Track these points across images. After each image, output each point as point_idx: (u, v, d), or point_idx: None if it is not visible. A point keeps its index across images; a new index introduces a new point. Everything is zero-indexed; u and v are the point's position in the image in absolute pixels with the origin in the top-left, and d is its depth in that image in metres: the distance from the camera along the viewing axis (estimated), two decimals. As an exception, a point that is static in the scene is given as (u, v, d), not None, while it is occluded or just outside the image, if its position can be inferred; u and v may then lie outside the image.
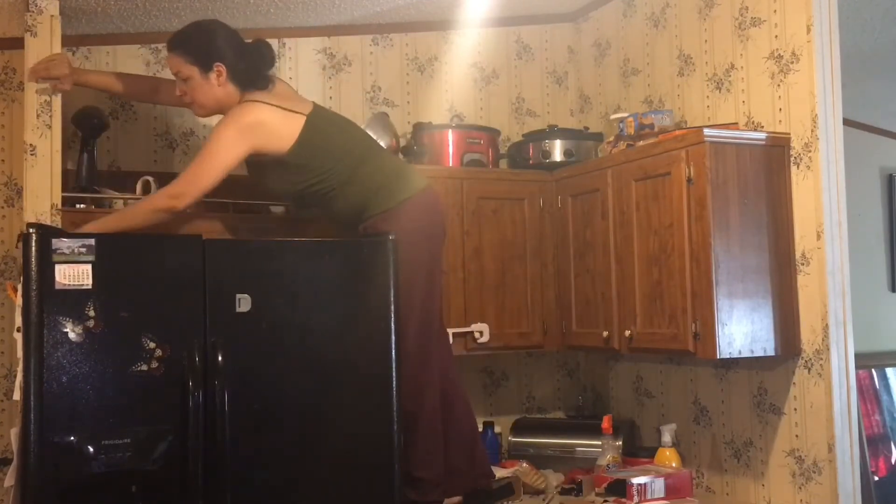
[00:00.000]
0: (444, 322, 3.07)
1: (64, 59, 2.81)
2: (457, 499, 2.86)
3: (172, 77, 2.86)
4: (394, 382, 2.55)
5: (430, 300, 2.84)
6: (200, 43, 2.79)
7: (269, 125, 2.73)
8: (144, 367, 2.30)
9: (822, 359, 2.78)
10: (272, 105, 2.75)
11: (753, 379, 3.06)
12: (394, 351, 2.55)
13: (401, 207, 2.79)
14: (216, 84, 2.77)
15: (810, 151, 2.81)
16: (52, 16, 2.80)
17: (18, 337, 2.28)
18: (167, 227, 2.69)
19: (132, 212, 2.70)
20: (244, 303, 2.41)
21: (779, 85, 2.94)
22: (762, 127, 3.00)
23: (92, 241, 2.28)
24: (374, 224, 2.76)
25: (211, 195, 2.73)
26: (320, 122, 2.82)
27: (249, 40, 2.85)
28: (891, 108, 4.69)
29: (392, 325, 2.56)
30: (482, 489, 2.95)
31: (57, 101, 2.79)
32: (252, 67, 2.81)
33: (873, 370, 4.53)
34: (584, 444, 3.47)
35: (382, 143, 3.32)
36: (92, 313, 2.26)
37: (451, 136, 3.51)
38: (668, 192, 2.93)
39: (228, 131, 2.71)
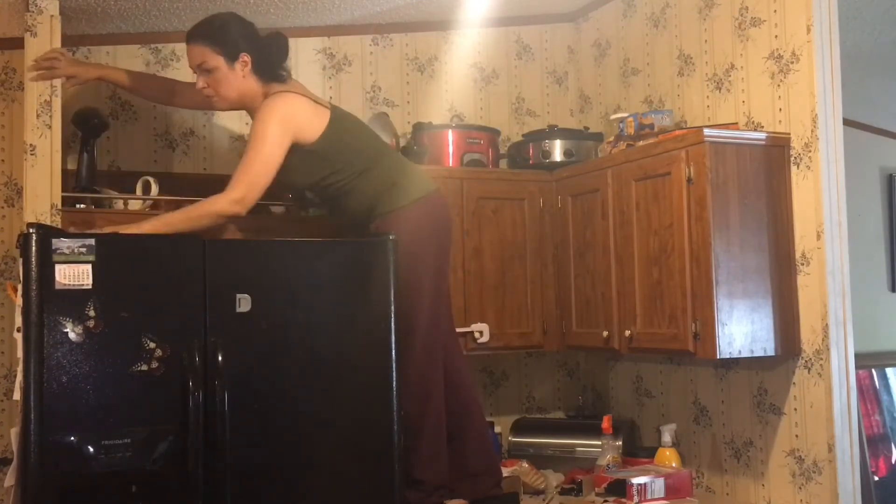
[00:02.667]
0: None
1: (65, 59, 2.82)
2: (463, 502, 2.84)
3: (179, 79, 2.85)
4: (394, 382, 2.54)
5: (438, 301, 2.83)
6: (227, 33, 2.75)
7: (304, 115, 2.75)
8: (144, 367, 2.29)
9: (822, 359, 2.78)
10: (303, 96, 2.78)
11: (753, 379, 3.06)
12: (394, 351, 2.55)
13: (412, 207, 2.80)
14: (241, 75, 2.76)
15: (810, 151, 2.81)
16: (52, 16, 2.80)
17: (18, 337, 2.28)
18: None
19: (197, 214, 2.60)
20: (244, 303, 2.40)
21: (779, 85, 2.94)
22: (762, 127, 2.99)
23: (92, 241, 2.27)
24: (385, 222, 2.75)
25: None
26: (343, 117, 2.85)
27: (265, 33, 2.85)
28: (891, 108, 4.69)
29: (392, 325, 2.55)
30: (488, 497, 2.91)
31: (57, 101, 2.79)
32: (273, 59, 2.81)
33: (873, 370, 4.53)
34: (584, 444, 3.47)
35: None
36: (92, 313, 2.25)
37: (451, 136, 3.51)
38: (668, 192, 2.93)
39: (272, 125, 2.68)
